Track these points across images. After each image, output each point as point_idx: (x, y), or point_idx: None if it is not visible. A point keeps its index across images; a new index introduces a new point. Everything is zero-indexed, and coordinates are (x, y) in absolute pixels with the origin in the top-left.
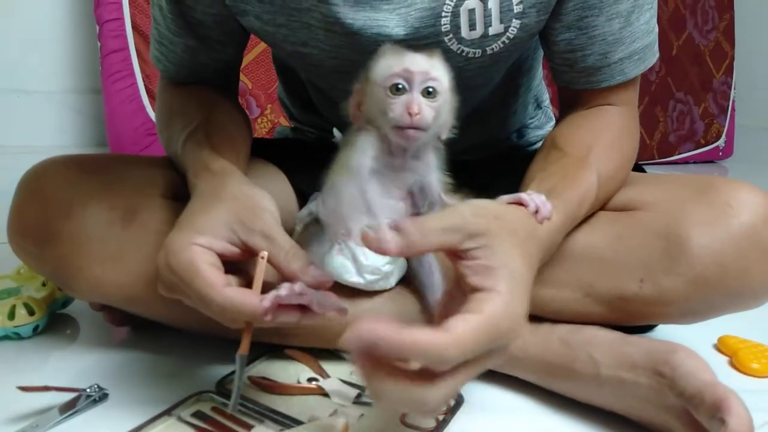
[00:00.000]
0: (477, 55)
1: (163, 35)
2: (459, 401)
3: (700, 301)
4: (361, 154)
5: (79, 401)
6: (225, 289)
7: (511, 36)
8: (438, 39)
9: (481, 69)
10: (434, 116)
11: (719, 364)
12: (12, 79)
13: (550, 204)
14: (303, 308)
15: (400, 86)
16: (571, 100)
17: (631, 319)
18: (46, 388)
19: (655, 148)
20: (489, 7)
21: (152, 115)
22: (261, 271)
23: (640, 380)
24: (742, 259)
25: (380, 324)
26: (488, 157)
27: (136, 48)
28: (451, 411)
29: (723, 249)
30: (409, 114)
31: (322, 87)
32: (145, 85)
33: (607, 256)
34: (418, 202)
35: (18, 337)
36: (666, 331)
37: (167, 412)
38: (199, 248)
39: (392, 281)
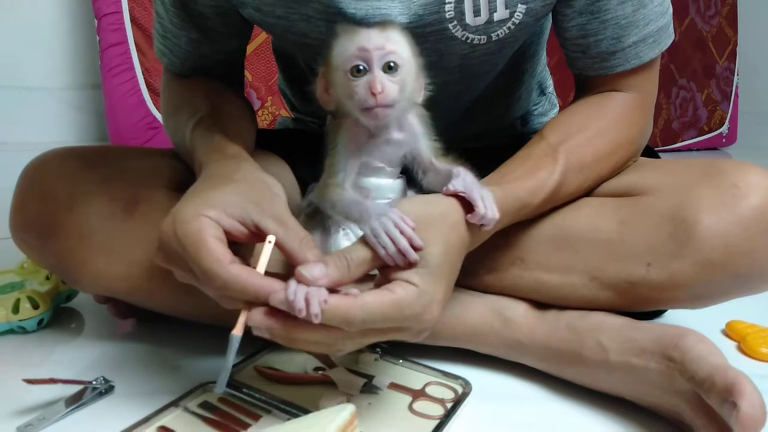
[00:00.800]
0: (482, 42)
1: (167, 29)
2: (466, 390)
3: (708, 284)
4: (343, 164)
5: (86, 394)
6: (231, 266)
7: (517, 21)
8: (442, 26)
9: (486, 56)
10: (399, 90)
11: (728, 350)
12: (11, 75)
13: (497, 211)
14: None
15: (360, 67)
16: (583, 85)
17: (639, 304)
18: (53, 381)
19: (658, 135)
20: None
21: (153, 108)
22: (266, 255)
23: (650, 365)
24: (749, 241)
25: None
26: (493, 144)
27: (135, 41)
28: (460, 399)
29: (730, 231)
30: (373, 94)
31: None
32: (145, 78)
33: (613, 240)
34: (414, 173)
35: (23, 330)
36: (674, 317)
37: (174, 404)
38: (208, 220)
39: None
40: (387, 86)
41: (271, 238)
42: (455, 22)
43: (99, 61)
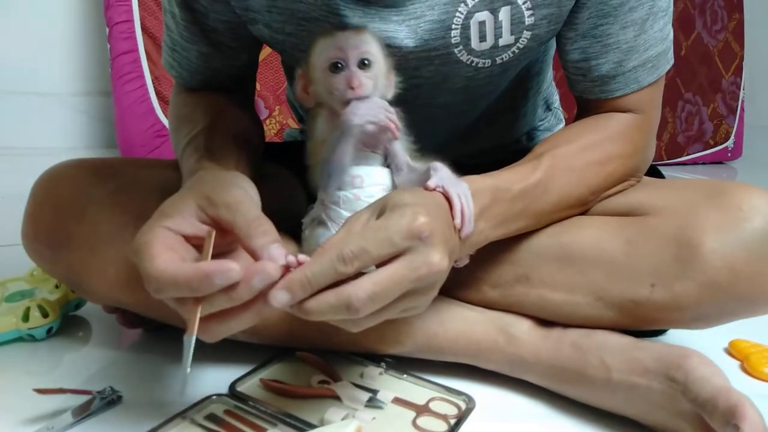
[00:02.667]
0: (487, 65)
1: (176, 42)
2: (470, 406)
3: (712, 306)
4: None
5: (93, 404)
6: (163, 261)
7: (521, 46)
8: (448, 50)
9: (490, 77)
10: (373, 84)
11: (730, 369)
12: (23, 81)
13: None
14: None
15: (338, 65)
16: (584, 108)
17: (642, 324)
18: (62, 391)
19: (663, 148)
20: (500, 19)
21: (161, 116)
22: (209, 248)
23: (653, 385)
24: (754, 264)
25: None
26: (499, 160)
27: (145, 50)
28: (463, 415)
29: (735, 254)
30: (351, 88)
31: None
32: (154, 87)
33: (618, 260)
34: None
35: (32, 339)
36: (677, 335)
37: (180, 415)
38: (164, 230)
39: None
40: (363, 80)
41: (210, 230)
42: (461, 47)
43: (110, 69)
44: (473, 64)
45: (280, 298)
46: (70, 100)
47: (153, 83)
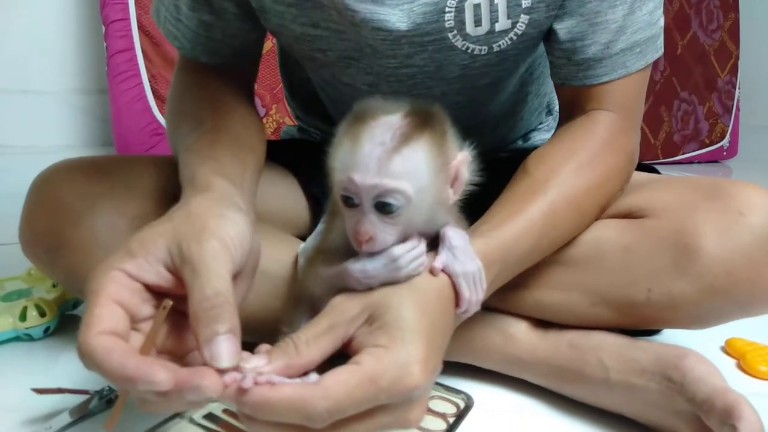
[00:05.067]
0: (483, 53)
1: (180, 10)
2: (468, 404)
3: (710, 308)
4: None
5: (91, 403)
6: (96, 336)
7: (519, 32)
8: (442, 35)
9: (487, 67)
10: (399, 231)
11: (727, 367)
12: (19, 79)
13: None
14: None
15: (350, 199)
16: (568, 105)
17: (640, 324)
18: (60, 390)
19: (659, 147)
20: (495, 2)
21: (158, 115)
22: (157, 325)
23: (650, 385)
24: (752, 269)
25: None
26: (494, 159)
27: (142, 48)
28: (462, 413)
29: (734, 259)
30: (358, 241)
31: (325, 78)
32: (151, 85)
33: (616, 264)
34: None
35: (29, 338)
36: (673, 335)
37: (179, 414)
38: (121, 275)
39: None
40: (378, 232)
41: (167, 302)
42: (455, 32)
43: (106, 67)
44: (469, 51)
45: (229, 402)
46: (67, 98)
47: (149, 81)
